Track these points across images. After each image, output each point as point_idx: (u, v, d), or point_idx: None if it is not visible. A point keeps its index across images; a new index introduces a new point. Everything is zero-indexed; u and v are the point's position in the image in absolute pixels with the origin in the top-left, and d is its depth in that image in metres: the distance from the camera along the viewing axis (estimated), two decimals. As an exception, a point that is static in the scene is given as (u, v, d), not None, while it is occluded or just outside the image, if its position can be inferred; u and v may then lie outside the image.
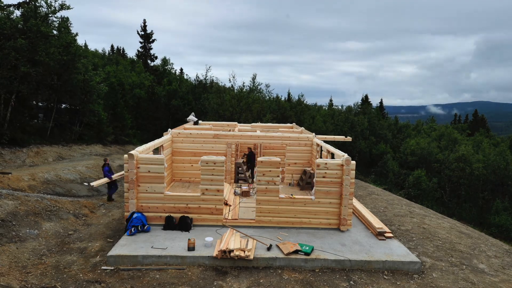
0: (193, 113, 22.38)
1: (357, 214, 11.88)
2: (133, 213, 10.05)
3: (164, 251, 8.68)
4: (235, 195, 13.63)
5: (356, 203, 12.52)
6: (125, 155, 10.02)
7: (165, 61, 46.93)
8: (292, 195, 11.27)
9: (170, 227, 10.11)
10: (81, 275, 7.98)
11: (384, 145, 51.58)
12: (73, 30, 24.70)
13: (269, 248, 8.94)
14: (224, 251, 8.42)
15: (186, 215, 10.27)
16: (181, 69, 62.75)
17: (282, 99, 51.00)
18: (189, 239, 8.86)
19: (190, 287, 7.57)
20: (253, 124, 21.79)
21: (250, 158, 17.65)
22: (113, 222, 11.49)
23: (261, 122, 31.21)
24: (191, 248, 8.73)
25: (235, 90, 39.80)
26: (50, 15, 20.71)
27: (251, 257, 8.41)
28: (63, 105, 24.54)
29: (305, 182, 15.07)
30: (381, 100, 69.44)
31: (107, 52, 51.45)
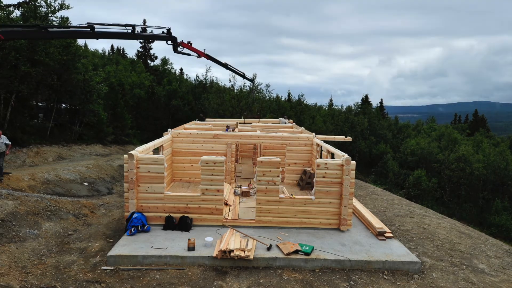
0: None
1: (357, 214, 11.88)
2: (133, 213, 10.05)
3: (164, 251, 8.68)
4: (235, 195, 13.63)
5: (356, 203, 12.52)
6: (125, 155, 10.01)
7: (165, 61, 46.97)
8: (292, 195, 11.28)
9: (170, 227, 10.11)
10: (81, 275, 7.98)
11: (384, 145, 51.58)
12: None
13: (269, 248, 8.94)
14: (224, 251, 8.42)
15: (186, 215, 10.27)
16: (181, 69, 62.78)
17: (282, 99, 51.05)
18: (189, 239, 8.86)
19: (190, 287, 7.57)
20: (253, 124, 21.78)
21: None
22: (113, 222, 11.49)
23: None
24: (191, 248, 8.73)
25: (235, 90, 39.84)
26: (50, 15, 20.71)
27: (251, 257, 8.41)
28: (63, 105, 24.54)
29: (305, 182, 15.07)
30: (381, 100, 69.52)
31: (107, 52, 51.51)
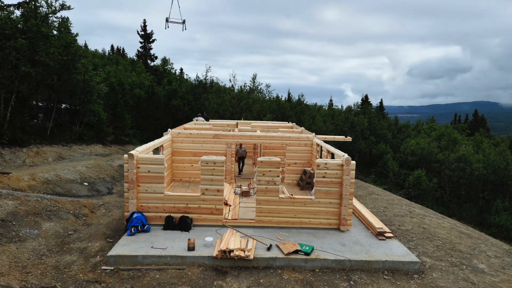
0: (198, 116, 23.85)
1: (357, 214, 11.88)
2: (133, 213, 10.06)
3: (164, 251, 8.68)
4: (235, 195, 13.63)
5: (356, 203, 12.53)
6: (125, 155, 10.02)
7: (165, 61, 46.96)
8: (292, 195, 11.28)
9: (170, 227, 10.11)
10: (81, 275, 7.98)
11: (384, 145, 51.56)
12: (73, 30, 24.71)
13: (269, 248, 8.94)
14: (224, 251, 8.43)
15: (186, 215, 10.27)
16: (181, 69, 62.80)
17: (282, 99, 51.09)
18: (189, 239, 8.86)
19: (190, 287, 7.57)
20: (252, 124, 21.78)
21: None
22: (113, 222, 11.49)
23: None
24: (191, 248, 8.73)
25: (236, 90, 39.84)
26: (50, 15, 20.71)
27: (251, 257, 8.41)
28: (63, 105, 24.54)
29: (305, 182, 15.07)
30: (381, 100, 69.57)
31: (107, 52, 51.53)
